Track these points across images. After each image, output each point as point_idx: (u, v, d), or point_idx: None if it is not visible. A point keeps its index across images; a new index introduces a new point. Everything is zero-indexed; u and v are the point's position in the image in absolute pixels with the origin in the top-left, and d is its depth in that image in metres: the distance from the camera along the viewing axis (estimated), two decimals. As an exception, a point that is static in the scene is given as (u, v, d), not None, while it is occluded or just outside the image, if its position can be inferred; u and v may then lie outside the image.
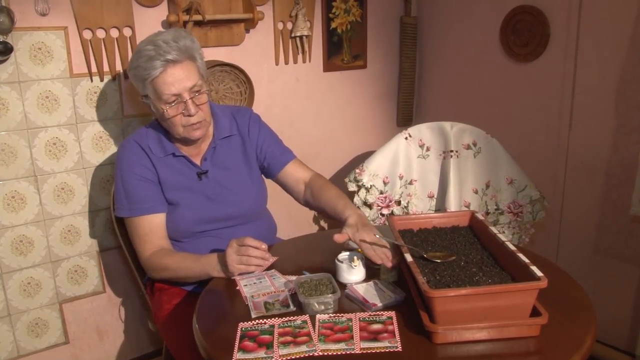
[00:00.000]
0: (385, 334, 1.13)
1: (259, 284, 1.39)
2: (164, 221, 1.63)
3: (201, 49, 1.59)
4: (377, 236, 1.39)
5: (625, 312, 2.21)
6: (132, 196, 1.60)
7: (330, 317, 1.21)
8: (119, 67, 2.02)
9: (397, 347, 1.09)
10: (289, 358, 1.07)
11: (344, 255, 1.42)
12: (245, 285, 1.38)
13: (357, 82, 2.74)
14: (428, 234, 1.49)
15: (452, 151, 2.23)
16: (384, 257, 1.36)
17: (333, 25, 2.57)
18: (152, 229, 1.60)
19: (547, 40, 2.28)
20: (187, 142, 1.62)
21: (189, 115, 1.52)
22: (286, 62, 2.46)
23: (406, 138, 2.28)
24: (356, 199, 2.29)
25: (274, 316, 1.23)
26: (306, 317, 1.21)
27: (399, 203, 2.30)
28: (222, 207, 1.65)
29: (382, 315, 1.21)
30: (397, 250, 1.39)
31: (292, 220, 2.54)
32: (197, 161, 1.67)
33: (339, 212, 1.55)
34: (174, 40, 1.49)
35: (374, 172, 2.27)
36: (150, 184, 1.61)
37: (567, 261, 2.34)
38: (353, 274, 1.37)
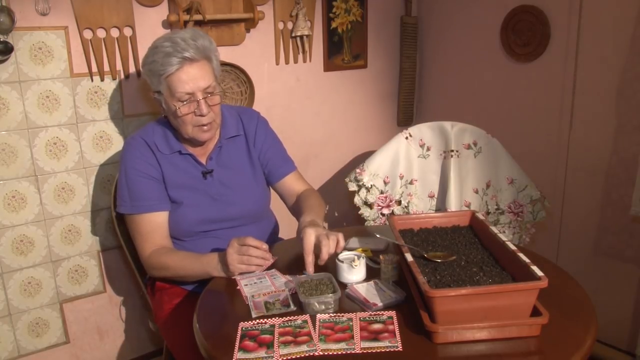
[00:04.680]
0: (386, 334, 1.13)
1: (260, 283, 1.39)
2: (166, 220, 1.62)
3: (217, 50, 1.58)
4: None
5: (626, 312, 2.21)
6: (135, 193, 1.59)
7: (331, 316, 1.21)
8: (119, 67, 2.02)
9: (397, 346, 1.09)
10: (289, 358, 1.07)
11: (344, 255, 1.42)
12: (246, 285, 1.39)
13: (357, 82, 2.74)
14: (428, 234, 1.49)
15: (452, 151, 2.23)
16: (309, 257, 1.35)
17: (333, 25, 2.57)
18: (153, 228, 1.60)
19: (547, 40, 2.28)
20: (195, 142, 1.62)
21: (201, 115, 1.52)
22: (287, 62, 2.46)
23: (407, 138, 2.28)
24: (357, 199, 2.29)
25: (274, 316, 1.23)
26: (307, 317, 1.21)
27: (399, 203, 2.30)
28: (225, 207, 1.65)
29: (382, 315, 1.21)
30: (397, 250, 1.39)
31: (294, 220, 2.54)
32: (203, 160, 1.66)
33: (299, 215, 1.57)
34: (192, 38, 1.49)
35: (374, 171, 2.27)
36: (154, 181, 1.61)
37: (568, 261, 2.34)
38: (354, 273, 1.37)
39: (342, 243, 1.37)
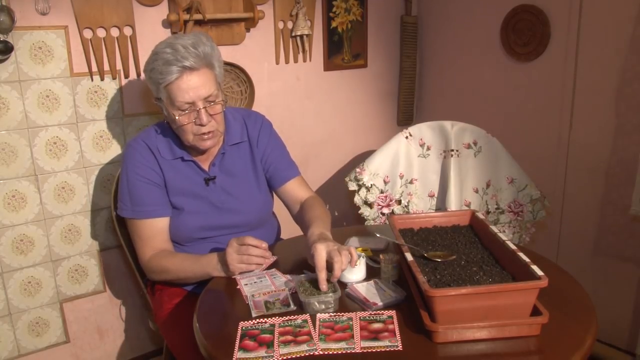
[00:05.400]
0: (386, 333, 1.13)
1: (260, 283, 1.39)
2: (167, 225, 1.61)
3: (220, 56, 1.55)
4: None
5: (626, 311, 2.21)
6: (136, 198, 1.58)
7: (331, 316, 1.21)
8: (119, 67, 2.02)
9: (397, 346, 1.09)
10: (289, 357, 1.07)
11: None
12: (246, 284, 1.39)
13: (357, 81, 2.74)
14: (428, 233, 1.49)
15: (452, 150, 2.23)
16: (322, 273, 1.26)
17: (333, 24, 2.57)
18: (154, 233, 1.59)
19: (547, 39, 2.28)
20: (197, 149, 1.59)
21: (201, 125, 1.49)
22: (287, 62, 2.46)
23: (407, 137, 2.28)
24: (356, 198, 2.29)
25: (274, 315, 1.23)
26: (307, 316, 1.21)
27: (399, 202, 2.30)
28: (227, 215, 1.64)
29: (382, 314, 1.21)
30: (397, 249, 1.39)
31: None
32: (205, 166, 1.64)
33: (307, 227, 1.52)
34: (193, 46, 1.44)
35: (374, 171, 2.27)
36: (155, 187, 1.59)
37: (568, 260, 2.34)
38: (354, 273, 1.37)
39: (355, 257, 1.31)
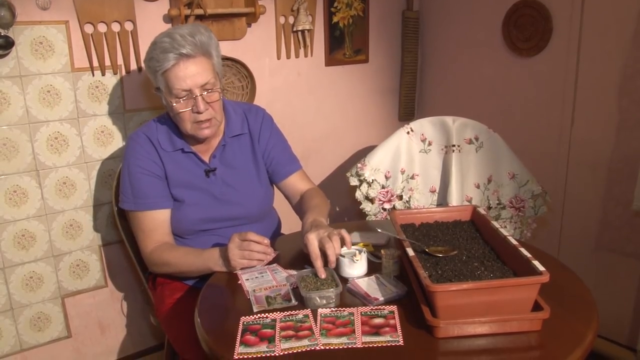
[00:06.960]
0: (387, 328, 1.13)
1: (261, 278, 1.39)
2: (169, 217, 1.62)
3: (218, 45, 1.56)
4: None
5: (627, 307, 2.21)
6: (137, 190, 1.59)
7: (332, 311, 1.21)
8: (120, 62, 2.02)
9: (398, 341, 1.09)
10: (290, 352, 1.07)
11: (346, 249, 1.41)
12: (247, 279, 1.39)
13: (358, 76, 2.73)
14: (430, 229, 1.49)
15: (454, 146, 2.23)
16: (317, 262, 1.31)
17: (335, 19, 2.56)
18: (156, 225, 1.60)
19: (549, 34, 2.27)
20: (196, 139, 1.60)
21: (198, 112, 1.50)
22: (288, 57, 2.46)
23: (408, 132, 2.28)
24: (358, 194, 2.29)
25: (275, 310, 1.23)
26: (308, 311, 1.21)
27: (400, 197, 2.30)
28: (227, 207, 1.64)
29: (383, 309, 1.21)
30: (399, 245, 1.39)
31: (297, 217, 2.54)
32: (206, 158, 1.65)
33: (302, 215, 1.55)
34: (190, 34, 1.47)
35: (375, 166, 2.27)
36: (156, 179, 1.60)
37: (569, 256, 2.34)
38: (355, 268, 1.37)
39: (347, 238, 1.34)
